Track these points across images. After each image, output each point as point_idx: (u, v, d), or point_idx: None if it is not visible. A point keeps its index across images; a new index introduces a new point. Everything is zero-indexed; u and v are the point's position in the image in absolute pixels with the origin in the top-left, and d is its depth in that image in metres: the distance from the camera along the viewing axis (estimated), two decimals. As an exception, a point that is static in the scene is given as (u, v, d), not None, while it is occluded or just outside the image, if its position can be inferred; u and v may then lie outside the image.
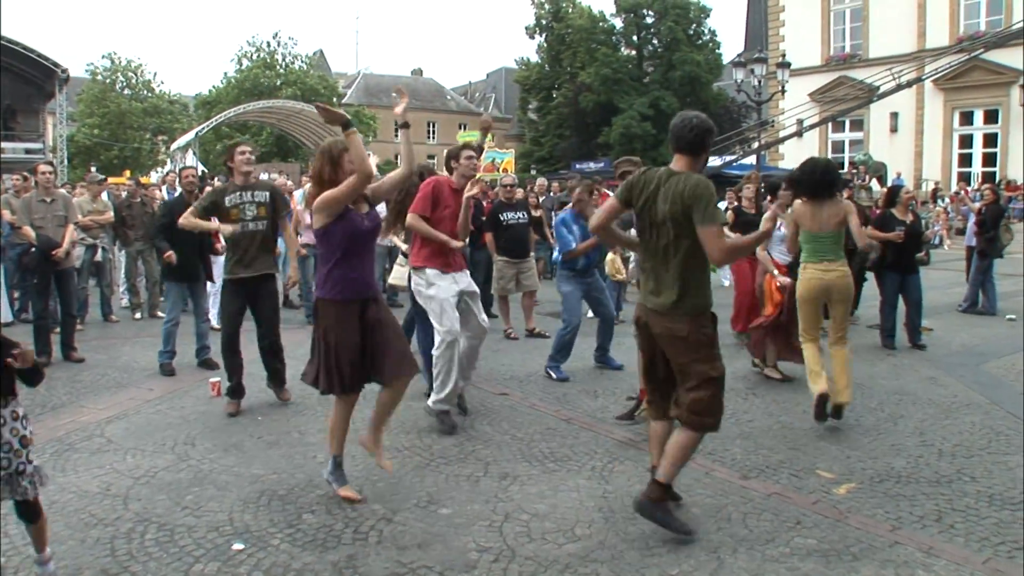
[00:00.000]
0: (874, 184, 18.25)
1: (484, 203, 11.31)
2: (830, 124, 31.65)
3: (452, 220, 6.01)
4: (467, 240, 6.18)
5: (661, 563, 3.83)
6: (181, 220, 6.59)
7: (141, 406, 6.58)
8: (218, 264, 9.77)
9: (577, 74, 44.82)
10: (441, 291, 5.93)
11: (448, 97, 69.86)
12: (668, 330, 4.07)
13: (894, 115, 30.55)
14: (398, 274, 8.10)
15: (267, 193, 6.59)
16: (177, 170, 17.70)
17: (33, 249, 8.36)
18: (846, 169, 25.05)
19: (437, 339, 5.91)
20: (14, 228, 8.10)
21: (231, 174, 6.64)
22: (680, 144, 4.16)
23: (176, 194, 8.88)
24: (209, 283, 8.40)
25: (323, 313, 4.54)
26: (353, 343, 4.46)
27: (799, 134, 29.69)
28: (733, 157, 30.12)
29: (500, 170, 39.91)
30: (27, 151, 30.82)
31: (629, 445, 5.60)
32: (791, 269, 7.12)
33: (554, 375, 7.58)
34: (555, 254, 7.88)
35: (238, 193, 6.46)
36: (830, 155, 32.57)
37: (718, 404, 4.08)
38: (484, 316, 6.26)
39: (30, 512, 3.51)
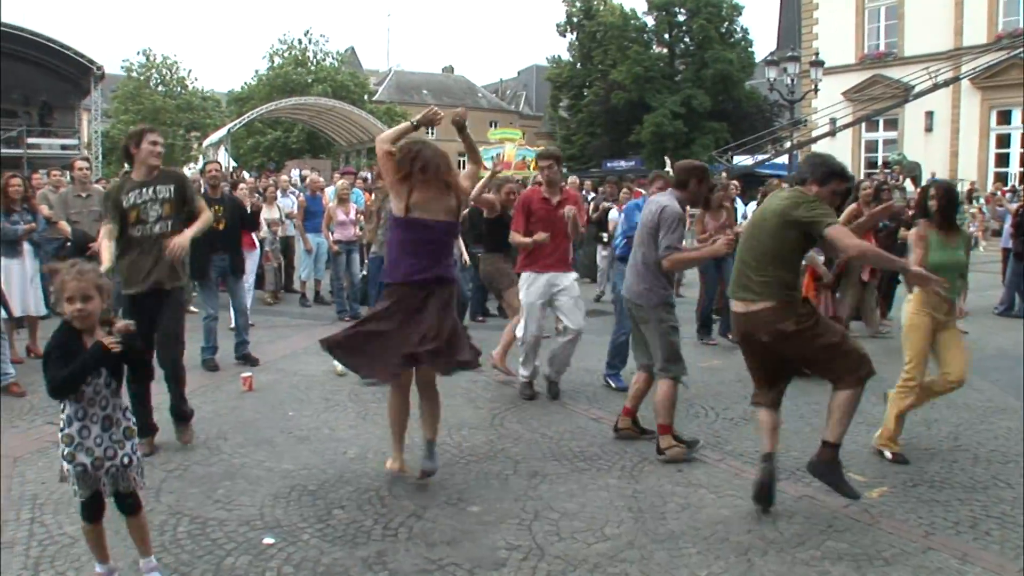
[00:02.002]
0: (908, 184, 18.04)
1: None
2: (864, 123, 31.24)
3: (546, 226, 6.61)
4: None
5: (691, 564, 3.82)
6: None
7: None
8: (252, 258, 9.90)
9: (608, 72, 44.60)
10: (528, 295, 6.71)
11: (479, 95, 69.89)
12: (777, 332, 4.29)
13: (929, 114, 30.12)
14: None
15: (171, 186, 5.41)
16: (231, 168, 17.98)
17: (69, 244, 8.48)
18: (879, 168, 24.79)
19: (522, 337, 6.82)
20: (50, 223, 8.22)
21: (131, 164, 5.52)
22: None
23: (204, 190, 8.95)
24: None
25: None
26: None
27: (832, 133, 29.39)
28: (765, 156, 29.92)
29: (531, 168, 40.07)
30: (63, 147, 31.32)
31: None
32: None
33: (613, 384, 7.19)
34: (617, 241, 7.46)
35: (138, 191, 5.31)
36: (863, 155, 32.20)
37: (857, 354, 4.29)
38: (575, 317, 6.69)
39: (133, 505, 3.48)
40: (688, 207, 5.42)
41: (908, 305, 5.38)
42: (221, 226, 8.14)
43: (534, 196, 6.75)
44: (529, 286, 6.73)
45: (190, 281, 11.94)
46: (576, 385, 7.23)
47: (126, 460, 3.38)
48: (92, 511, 3.42)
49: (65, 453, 3.28)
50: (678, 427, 5.61)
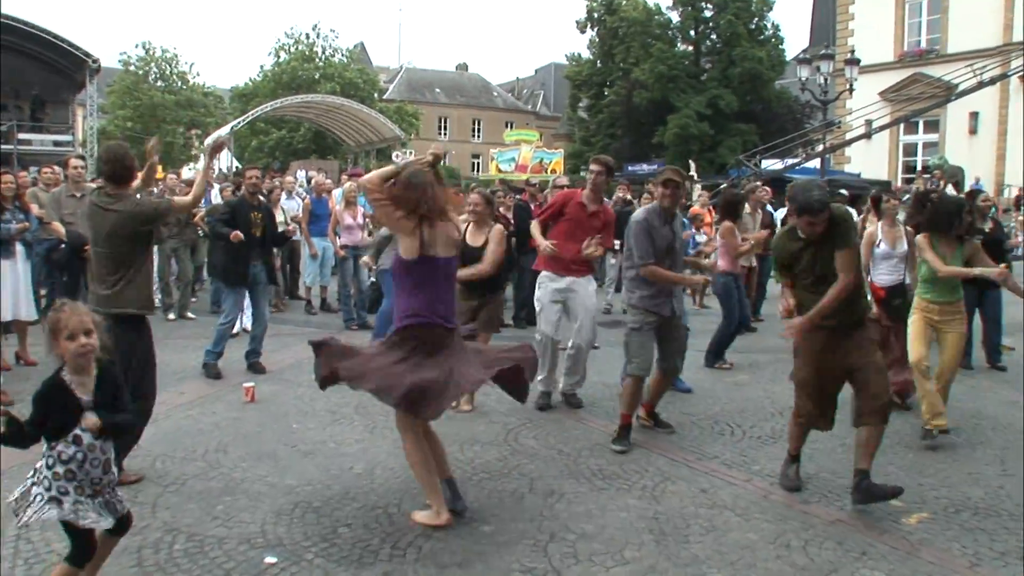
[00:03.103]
0: (950, 190, 17.90)
1: (533, 207, 11.36)
2: (902, 125, 31.00)
3: (573, 230, 6.73)
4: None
5: (716, 591, 3.80)
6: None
7: (171, 411, 6.68)
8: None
9: (630, 70, 44.63)
10: (542, 294, 6.92)
11: (495, 94, 70.11)
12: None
13: (974, 115, 29.89)
14: None
15: None
16: (235, 170, 17.95)
17: (63, 245, 8.54)
18: (917, 173, 24.62)
19: (537, 335, 6.98)
20: (42, 223, 8.27)
21: (121, 184, 5.21)
22: None
23: (240, 193, 9.09)
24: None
25: None
26: None
27: (868, 136, 29.18)
28: (796, 160, 29.74)
29: (548, 171, 40.08)
30: (55, 143, 31.32)
31: (682, 464, 5.57)
32: (893, 294, 7.09)
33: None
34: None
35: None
36: (901, 159, 32.01)
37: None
38: (583, 329, 6.88)
39: (126, 524, 3.49)
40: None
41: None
42: (259, 233, 8.27)
43: (573, 198, 6.90)
44: (545, 285, 6.94)
45: (194, 284, 12.20)
46: (594, 399, 7.23)
47: (111, 482, 3.38)
48: (84, 554, 3.38)
49: (46, 497, 3.22)
50: (702, 443, 5.71)
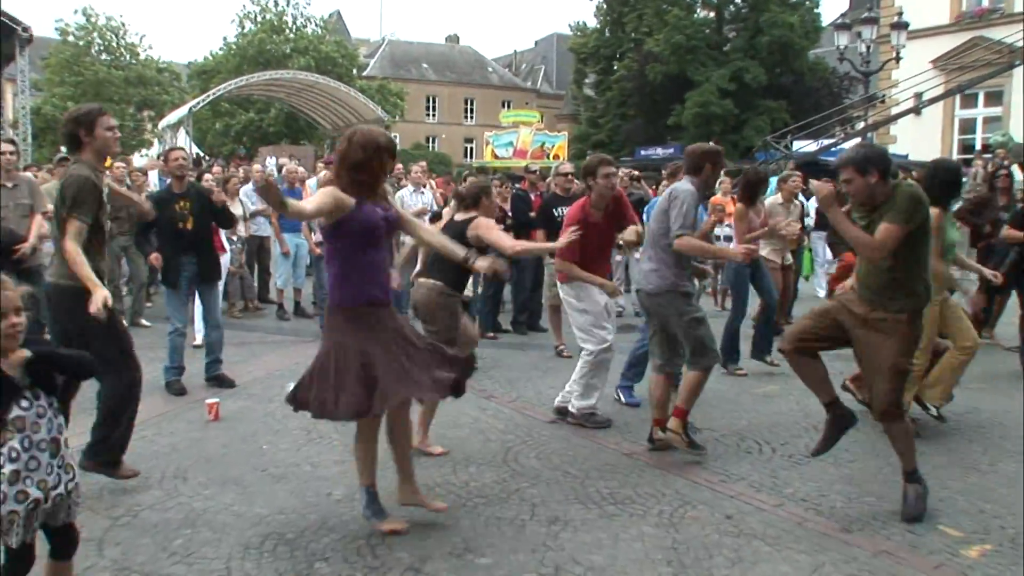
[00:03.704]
0: (1016, 171, 17.66)
1: (533, 196, 11.38)
2: (957, 97, 30.47)
3: (591, 236, 6.84)
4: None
5: (744, 630, 3.80)
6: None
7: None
8: (223, 263, 9.96)
9: (643, 41, 44.62)
10: (596, 298, 7.01)
11: (489, 69, 70.24)
12: None
13: (1045, 84, 29.46)
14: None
15: None
16: (163, 152, 17.89)
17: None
18: (976, 152, 24.37)
19: (590, 347, 6.98)
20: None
21: (75, 151, 5.57)
22: None
23: (168, 182, 8.93)
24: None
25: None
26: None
27: (917, 111, 28.91)
28: (832, 141, 29.51)
29: (551, 156, 40.10)
30: (-21, 126, 31.18)
31: (704, 486, 5.57)
32: None
33: (623, 399, 7.76)
34: None
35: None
36: (957, 136, 31.77)
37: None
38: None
39: (70, 542, 3.53)
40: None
41: None
42: (189, 225, 8.20)
43: (587, 216, 7.01)
44: (588, 289, 7.08)
45: (148, 287, 12.15)
46: (605, 414, 7.24)
47: (69, 487, 3.41)
48: (20, 569, 3.41)
49: (12, 493, 3.24)
50: (727, 463, 5.71)
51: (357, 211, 4.64)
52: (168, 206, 8.12)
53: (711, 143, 6.85)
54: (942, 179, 6.49)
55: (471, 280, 8.90)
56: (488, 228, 6.29)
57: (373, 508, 4.84)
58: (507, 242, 6.35)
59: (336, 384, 4.61)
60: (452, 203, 7.78)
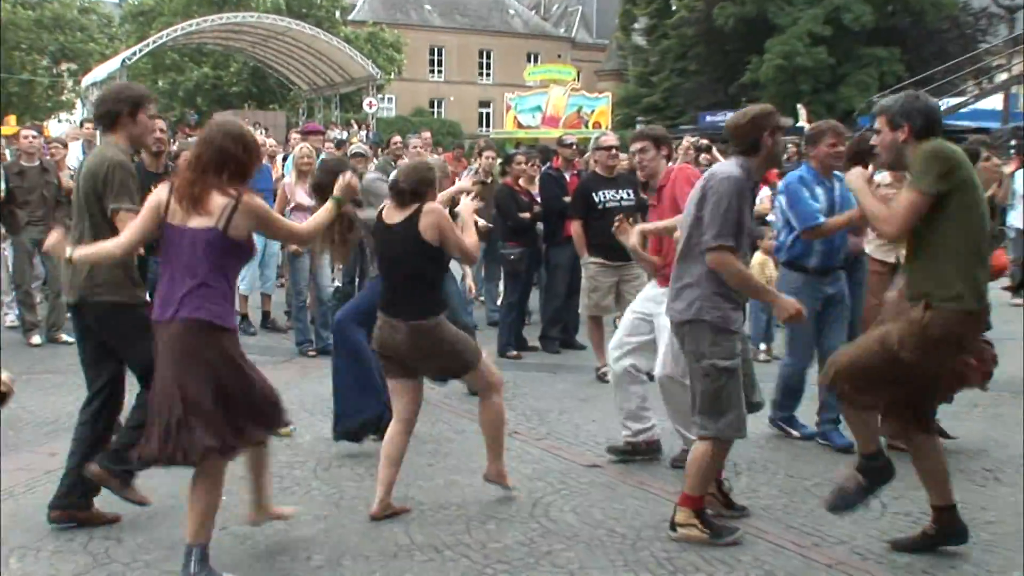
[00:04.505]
0: None
1: (568, 175, 11.37)
2: None
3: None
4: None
5: None
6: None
7: (38, 480, 6.63)
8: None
9: (710, -25, 44.59)
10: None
11: (511, 12, 70.28)
12: None
13: None
14: None
15: None
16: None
17: None
18: None
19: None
20: None
21: (110, 131, 6.00)
22: None
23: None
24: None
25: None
26: None
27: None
28: (962, 100, 28.98)
29: (590, 124, 40.12)
30: None
31: (791, 551, 5.55)
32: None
33: (796, 433, 7.83)
34: (780, 237, 7.71)
35: None
36: None
37: None
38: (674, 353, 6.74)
39: None
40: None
41: None
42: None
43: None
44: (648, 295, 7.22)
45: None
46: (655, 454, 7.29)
47: None
48: None
49: None
50: (820, 520, 5.68)
51: None
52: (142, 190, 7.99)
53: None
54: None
55: (479, 281, 8.91)
56: (449, 225, 6.06)
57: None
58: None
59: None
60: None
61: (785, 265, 7.66)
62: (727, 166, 5.80)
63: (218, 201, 4.96)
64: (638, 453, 7.19)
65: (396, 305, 6.07)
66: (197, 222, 4.98)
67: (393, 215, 6.11)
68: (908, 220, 4.96)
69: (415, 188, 6.04)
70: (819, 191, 7.34)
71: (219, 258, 5.03)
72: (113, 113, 5.81)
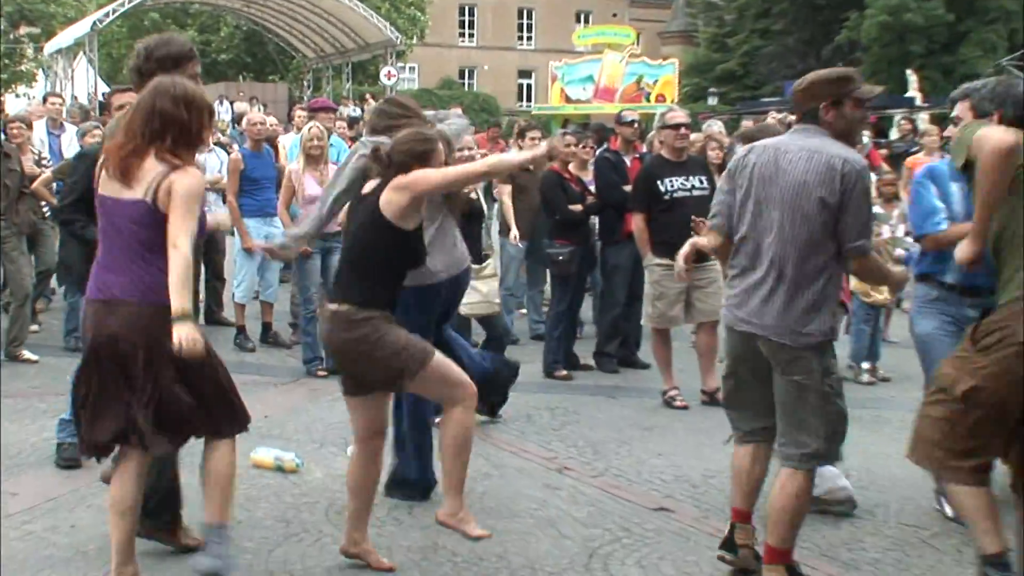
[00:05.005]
0: None
1: (628, 159, 11.33)
2: None
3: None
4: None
5: None
6: None
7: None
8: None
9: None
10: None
11: (557, -39, 70.30)
12: None
13: None
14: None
15: None
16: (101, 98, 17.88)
17: None
18: None
19: None
20: None
21: None
22: None
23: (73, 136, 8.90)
24: None
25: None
26: None
27: None
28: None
29: (652, 97, 40.07)
30: None
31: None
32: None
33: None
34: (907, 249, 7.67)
35: None
36: None
37: None
38: None
39: None
40: None
41: None
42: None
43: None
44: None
45: (35, 301, 12.21)
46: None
47: None
48: None
49: None
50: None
51: None
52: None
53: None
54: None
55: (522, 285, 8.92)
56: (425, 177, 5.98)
57: None
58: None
59: None
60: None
61: (917, 279, 7.46)
62: (844, 149, 5.55)
63: (149, 170, 5.10)
64: (824, 511, 6.87)
65: (335, 288, 6.24)
66: (127, 194, 5.18)
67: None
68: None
69: (401, 160, 6.00)
70: (954, 188, 7.11)
71: (150, 235, 5.17)
72: (149, 73, 5.89)
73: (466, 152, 8.49)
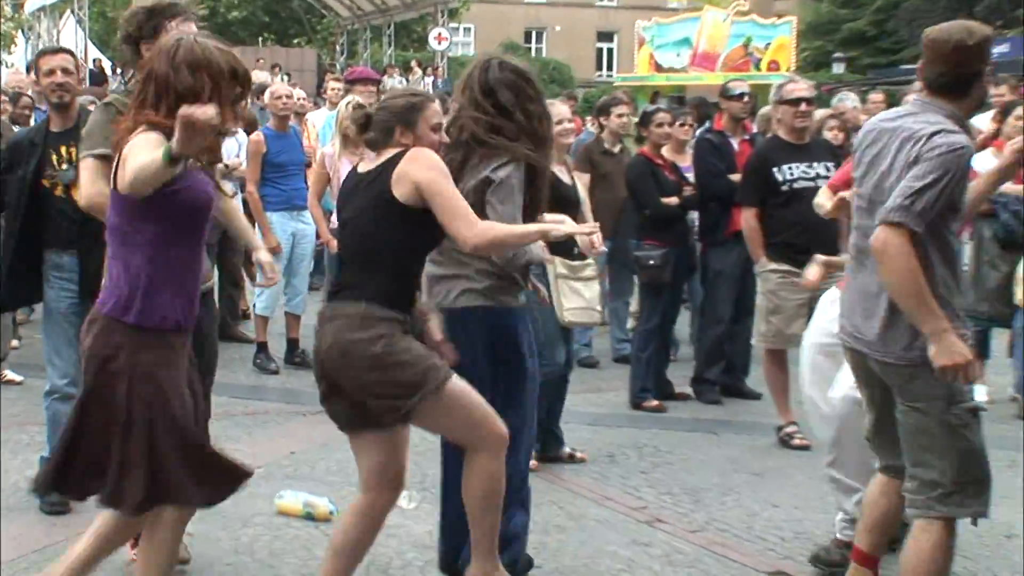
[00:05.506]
0: None
1: (736, 142, 11.27)
2: None
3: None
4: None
5: None
6: None
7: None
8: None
9: None
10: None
11: None
12: None
13: None
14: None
15: None
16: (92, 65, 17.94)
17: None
18: None
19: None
20: None
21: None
22: None
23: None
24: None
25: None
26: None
27: None
28: None
29: (763, 65, 40.05)
30: None
31: None
32: None
33: None
34: None
35: None
36: None
37: None
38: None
39: None
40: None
41: None
42: (72, 192, 8.23)
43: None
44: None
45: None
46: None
47: None
48: None
49: None
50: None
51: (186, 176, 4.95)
52: (36, 157, 8.00)
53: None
54: None
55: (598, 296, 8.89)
56: (442, 180, 5.69)
57: None
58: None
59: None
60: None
61: None
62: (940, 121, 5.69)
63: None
64: None
65: (337, 290, 6.01)
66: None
67: (368, 163, 6.09)
68: None
69: (387, 123, 5.95)
70: None
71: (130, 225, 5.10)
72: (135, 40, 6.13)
73: (565, 124, 8.58)
